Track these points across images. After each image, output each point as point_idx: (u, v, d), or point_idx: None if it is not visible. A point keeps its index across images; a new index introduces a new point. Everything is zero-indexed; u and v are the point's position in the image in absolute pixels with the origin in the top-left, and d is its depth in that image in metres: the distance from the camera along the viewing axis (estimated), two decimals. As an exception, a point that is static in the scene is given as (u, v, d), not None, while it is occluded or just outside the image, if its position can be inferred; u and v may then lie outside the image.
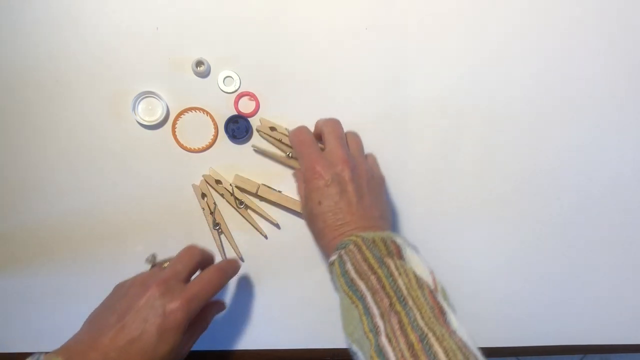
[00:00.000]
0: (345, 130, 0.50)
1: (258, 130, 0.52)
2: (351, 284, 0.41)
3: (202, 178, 0.52)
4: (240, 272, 0.56)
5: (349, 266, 0.41)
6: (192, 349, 0.56)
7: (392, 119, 0.54)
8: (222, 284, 0.45)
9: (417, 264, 0.41)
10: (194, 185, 0.52)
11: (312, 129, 0.51)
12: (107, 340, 0.39)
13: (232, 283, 0.55)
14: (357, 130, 0.53)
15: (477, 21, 0.53)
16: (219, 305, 0.50)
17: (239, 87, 0.52)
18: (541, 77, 0.54)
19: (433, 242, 0.56)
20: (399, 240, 0.43)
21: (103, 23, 0.50)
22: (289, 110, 0.53)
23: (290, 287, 0.56)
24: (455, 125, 0.54)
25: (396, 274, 0.39)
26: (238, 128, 0.52)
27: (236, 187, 0.52)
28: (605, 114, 0.56)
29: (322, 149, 0.48)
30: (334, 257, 0.43)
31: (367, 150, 0.53)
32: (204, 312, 0.46)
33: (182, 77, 0.52)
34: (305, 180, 0.47)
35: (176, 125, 0.52)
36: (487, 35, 0.53)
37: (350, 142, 0.50)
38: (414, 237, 0.56)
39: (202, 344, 0.56)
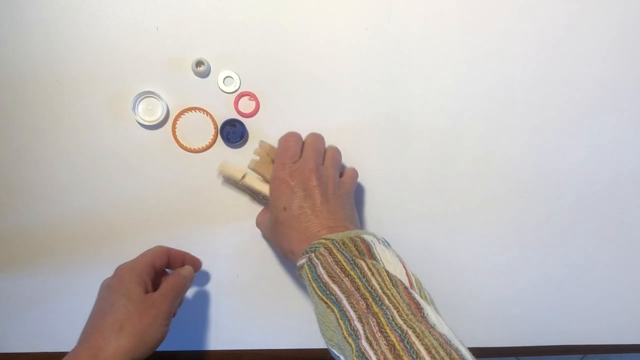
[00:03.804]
0: (329, 143, 0.50)
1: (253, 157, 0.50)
2: (324, 289, 0.40)
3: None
4: (240, 271, 0.56)
5: (320, 270, 0.41)
6: (192, 349, 0.56)
7: (392, 119, 0.54)
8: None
9: (388, 261, 0.41)
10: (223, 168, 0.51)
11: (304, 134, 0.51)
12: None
13: (233, 283, 0.55)
14: (357, 130, 0.53)
15: (478, 21, 0.53)
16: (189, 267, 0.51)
17: (239, 87, 0.52)
18: (541, 77, 0.54)
19: (433, 243, 0.56)
20: (367, 238, 0.42)
21: (103, 23, 0.50)
22: (289, 110, 0.53)
23: (290, 287, 0.56)
24: (455, 126, 0.54)
25: (369, 274, 0.39)
26: (234, 132, 0.52)
27: (222, 175, 0.51)
28: (606, 113, 0.56)
29: None
30: (302, 261, 0.43)
31: (366, 149, 0.53)
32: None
33: (182, 77, 0.52)
34: (270, 191, 0.47)
35: (176, 125, 0.52)
36: (487, 35, 0.53)
37: (327, 156, 0.49)
38: (414, 238, 0.56)
39: (202, 344, 0.56)
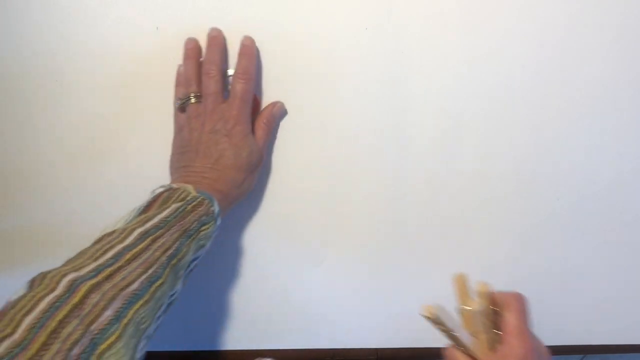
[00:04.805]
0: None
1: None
2: None
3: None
4: (240, 271, 0.56)
5: None
6: (192, 349, 0.56)
7: (391, 119, 0.54)
8: (253, 73, 0.49)
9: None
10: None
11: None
12: (199, 167, 0.46)
13: (232, 283, 0.55)
14: (357, 130, 0.53)
15: (478, 21, 0.53)
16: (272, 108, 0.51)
17: None
18: (541, 77, 0.54)
19: (432, 243, 0.56)
20: None
21: (103, 23, 0.50)
22: (289, 111, 0.53)
23: (290, 287, 0.56)
24: (455, 126, 0.54)
25: None
26: None
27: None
28: (606, 113, 0.56)
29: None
30: None
31: (366, 149, 0.53)
32: (260, 116, 0.51)
33: (182, 77, 0.52)
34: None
35: (176, 125, 0.52)
36: (488, 35, 0.53)
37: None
38: (414, 238, 0.56)
39: (202, 343, 0.56)
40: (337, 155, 0.54)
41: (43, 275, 0.36)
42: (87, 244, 0.53)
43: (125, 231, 0.39)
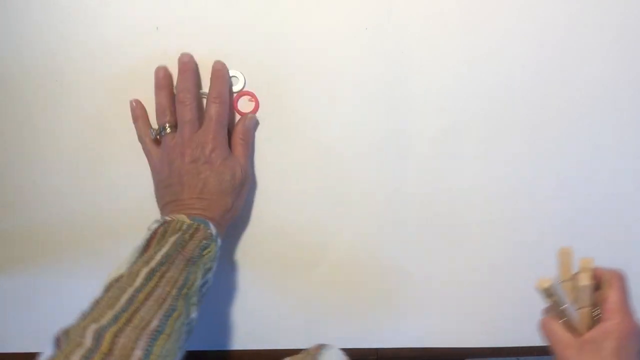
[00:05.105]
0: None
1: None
2: None
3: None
4: (240, 271, 0.56)
5: None
6: (192, 348, 0.56)
7: (391, 119, 0.54)
8: (227, 96, 0.49)
9: None
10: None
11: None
12: (187, 200, 0.47)
13: (232, 283, 0.55)
14: (357, 130, 0.53)
15: (478, 21, 0.53)
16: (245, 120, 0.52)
17: (244, 86, 0.52)
18: (541, 77, 0.54)
19: (432, 243, 0.56)
20: None
21: (103, 23, 0.50)
22: (289, 111, 0.53)
23: (290, 287, 0.56)
24: (455, 126, 0.54)
25: None
26: None
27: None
28: (606, 113, 0.56)
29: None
30: None
31: (366, 149, 0.53)
32: (234, 133, 0.51)
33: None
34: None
35: (176, 125, 0.52)
36: (488, 35, 0.53)
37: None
38: (413, 237, 0.56)
39: (201, 343, 0.56)
40: (337, 155, 0.54)
41: (65, 332, 0.37)
42: (87, 243, 0.53)
43: (132, 274, 0.40)
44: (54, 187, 0.52)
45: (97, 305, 0.39)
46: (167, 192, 0.48)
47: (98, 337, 0.35)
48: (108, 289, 0.40)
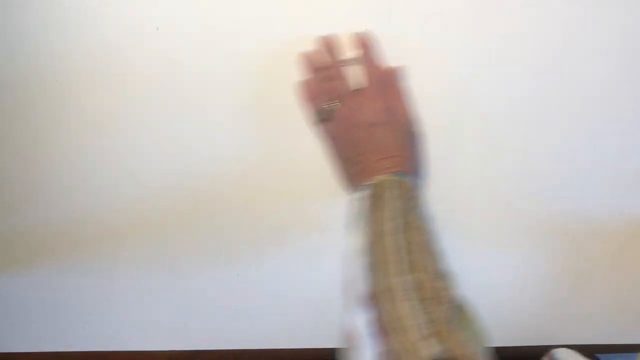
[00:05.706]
0: None
1: None
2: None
3: None
4: (240, 271, 0.56)
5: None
6: (192, 348, 0.56)
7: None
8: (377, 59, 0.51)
9: None
10: None
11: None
12: (377, 162, 0.48)
13: (232, 282, 0.55)
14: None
15: (478, 21, 0.53)
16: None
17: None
18: (542, 77, 0.54)
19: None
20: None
21: (103, 23, 0.50)
22: (289, 111, 0.53)
23: (290, 287, 0.56)
24: (455, 126, 0.54)
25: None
26: None
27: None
28: (606, 113, 0.56)
29: None
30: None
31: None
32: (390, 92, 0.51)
33: (182, 77, 0.52)
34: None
35: (176, 125, 0.52)
36: (488, 35, 0.53)
37: None
38: (414, 237, 0.56)
39: (201, 343, 0.56)
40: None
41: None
42: (87, 243, 0.53)
43: (377, 239, 0.43)
44: (54, 187, 0.52)
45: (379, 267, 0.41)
46: (354, 163, 0.49)
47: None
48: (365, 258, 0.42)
